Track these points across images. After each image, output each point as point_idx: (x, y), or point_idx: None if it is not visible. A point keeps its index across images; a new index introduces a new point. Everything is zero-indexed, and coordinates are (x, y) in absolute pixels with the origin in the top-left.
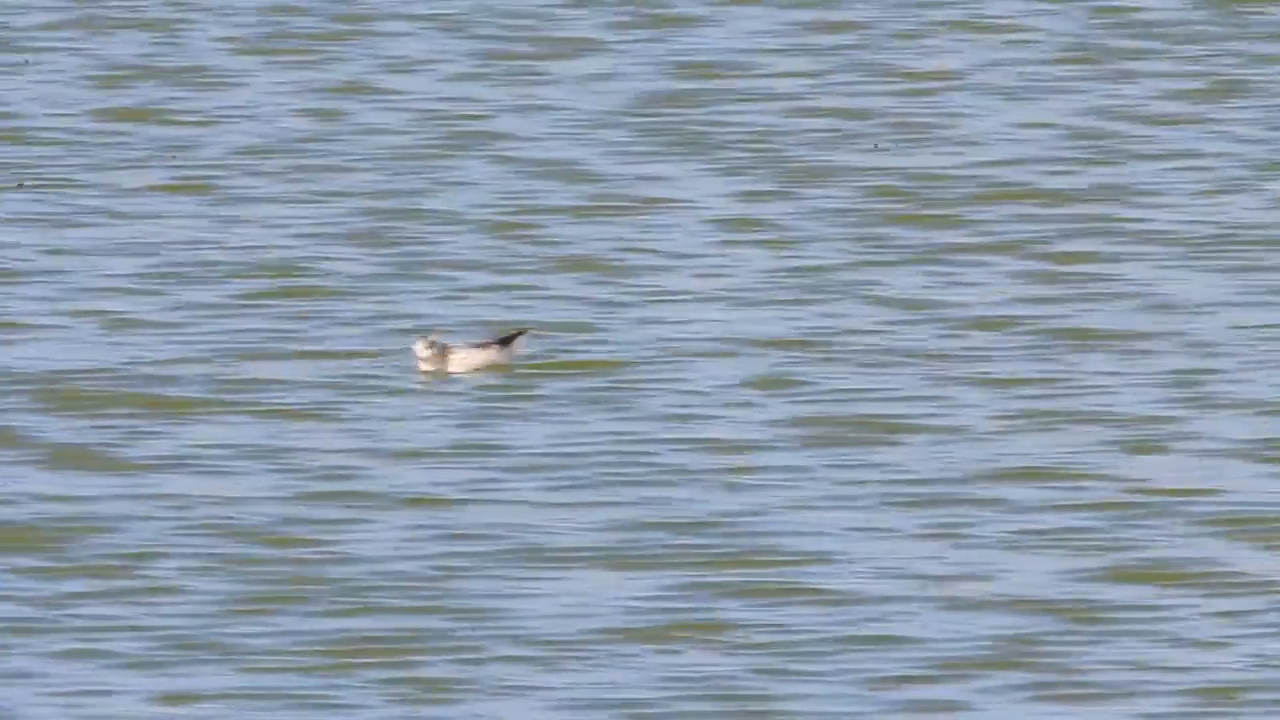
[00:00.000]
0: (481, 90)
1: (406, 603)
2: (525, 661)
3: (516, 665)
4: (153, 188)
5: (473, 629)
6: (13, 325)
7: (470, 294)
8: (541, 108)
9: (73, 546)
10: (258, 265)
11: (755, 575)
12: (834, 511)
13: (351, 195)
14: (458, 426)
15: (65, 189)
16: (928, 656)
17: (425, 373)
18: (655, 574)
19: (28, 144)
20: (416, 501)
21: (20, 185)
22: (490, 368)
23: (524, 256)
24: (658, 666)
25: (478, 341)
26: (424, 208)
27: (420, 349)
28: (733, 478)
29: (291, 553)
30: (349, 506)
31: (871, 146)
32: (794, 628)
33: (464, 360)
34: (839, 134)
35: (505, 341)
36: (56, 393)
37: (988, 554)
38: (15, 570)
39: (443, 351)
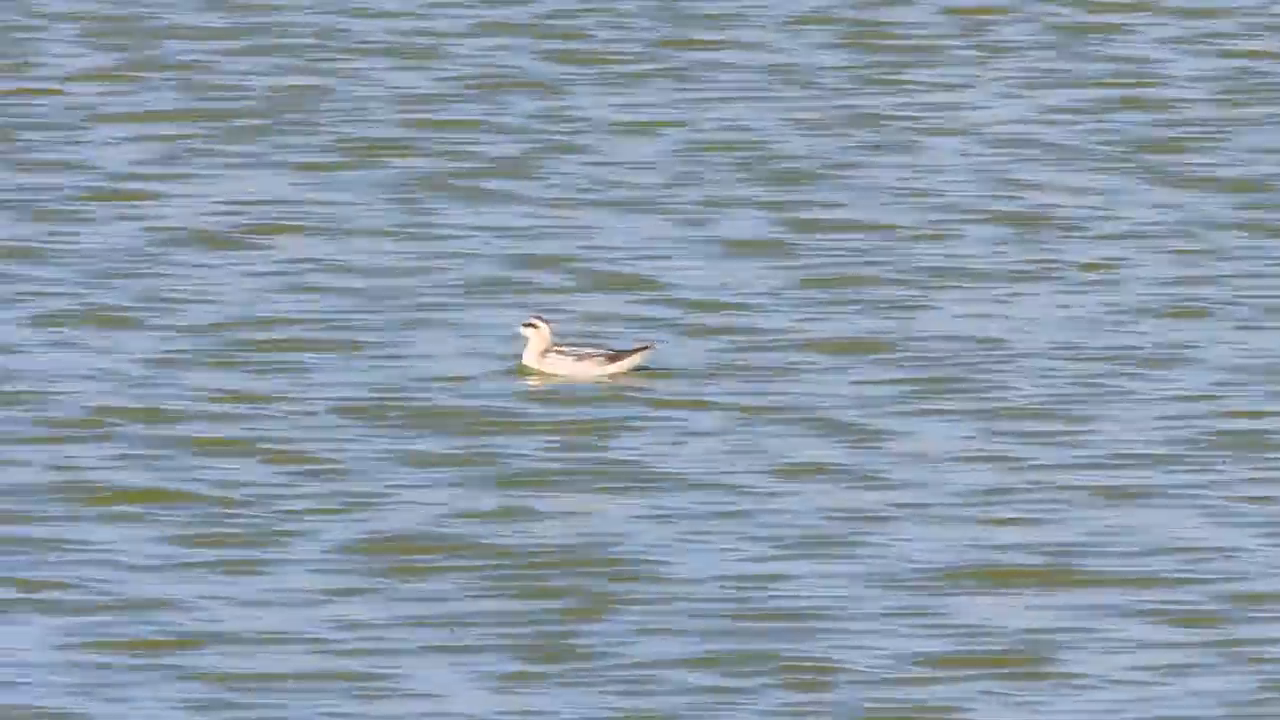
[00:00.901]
0: (879, 100)
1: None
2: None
3: (999, 683)
4: (568, 203)
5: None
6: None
7: (849, 304)
8: (940, 116)
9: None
10: (650, 280)
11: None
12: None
13: (745, 205)
14: (832, 446)
15: (517, 202)
16: None
17: (523, 367)
18: (1069, 593)
19: (451, 157)
20: (810, 531)
21: None
22: (595, 380)
23: (919, 266)
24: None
25: (582, 352)
26: (820, 219)
27: (524, 332)
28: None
29: (675, 570)
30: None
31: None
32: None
33: (555, 365)
34: (1235, 143)
35: (616, 356)
36: (458, 412)
37: None
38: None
39: (543, 351)
